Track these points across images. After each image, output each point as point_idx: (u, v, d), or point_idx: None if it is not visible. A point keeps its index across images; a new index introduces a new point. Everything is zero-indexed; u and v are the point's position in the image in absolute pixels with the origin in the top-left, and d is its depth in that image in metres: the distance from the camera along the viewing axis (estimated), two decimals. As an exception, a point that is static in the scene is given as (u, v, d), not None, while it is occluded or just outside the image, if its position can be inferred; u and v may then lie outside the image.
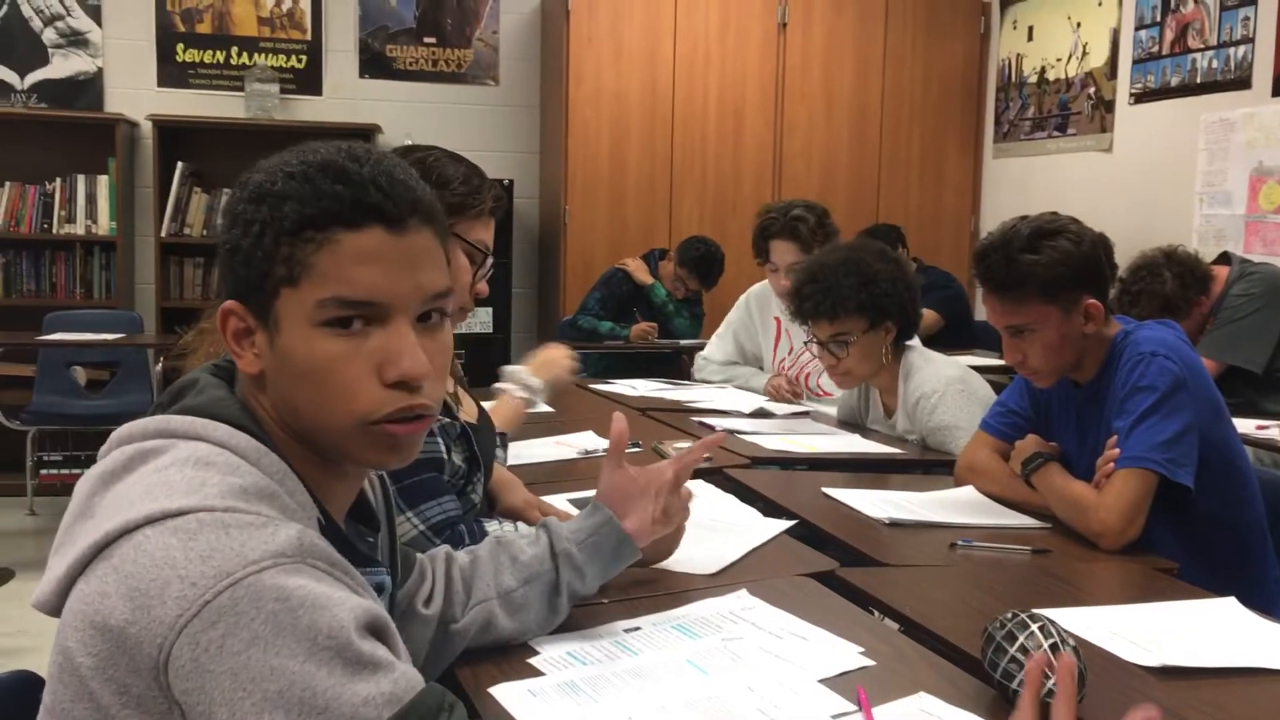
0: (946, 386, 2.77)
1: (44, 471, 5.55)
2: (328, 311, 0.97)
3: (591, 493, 1.51)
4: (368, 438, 1.00)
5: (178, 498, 0.89)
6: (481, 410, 1.98)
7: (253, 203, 0.99)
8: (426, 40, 6.19)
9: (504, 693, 1.27)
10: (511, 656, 1.38)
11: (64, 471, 5.58)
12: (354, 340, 0.98)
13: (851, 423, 3.15)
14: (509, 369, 2.57)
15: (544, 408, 3.27)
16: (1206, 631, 1.56)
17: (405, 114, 6.11)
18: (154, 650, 0.83)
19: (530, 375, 2.54)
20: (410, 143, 2.03)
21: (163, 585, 0.84)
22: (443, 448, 1.68)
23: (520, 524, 1.82)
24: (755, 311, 3.79)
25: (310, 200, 0.97)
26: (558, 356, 2.66)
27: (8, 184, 5.67)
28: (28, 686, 1.10)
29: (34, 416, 5.20)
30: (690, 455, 1.54)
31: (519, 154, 6.31)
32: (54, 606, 0.92)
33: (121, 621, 0.85)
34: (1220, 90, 4.68)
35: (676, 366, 5.16)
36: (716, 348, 3.87)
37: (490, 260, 1.78)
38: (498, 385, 2.52)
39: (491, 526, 1.75)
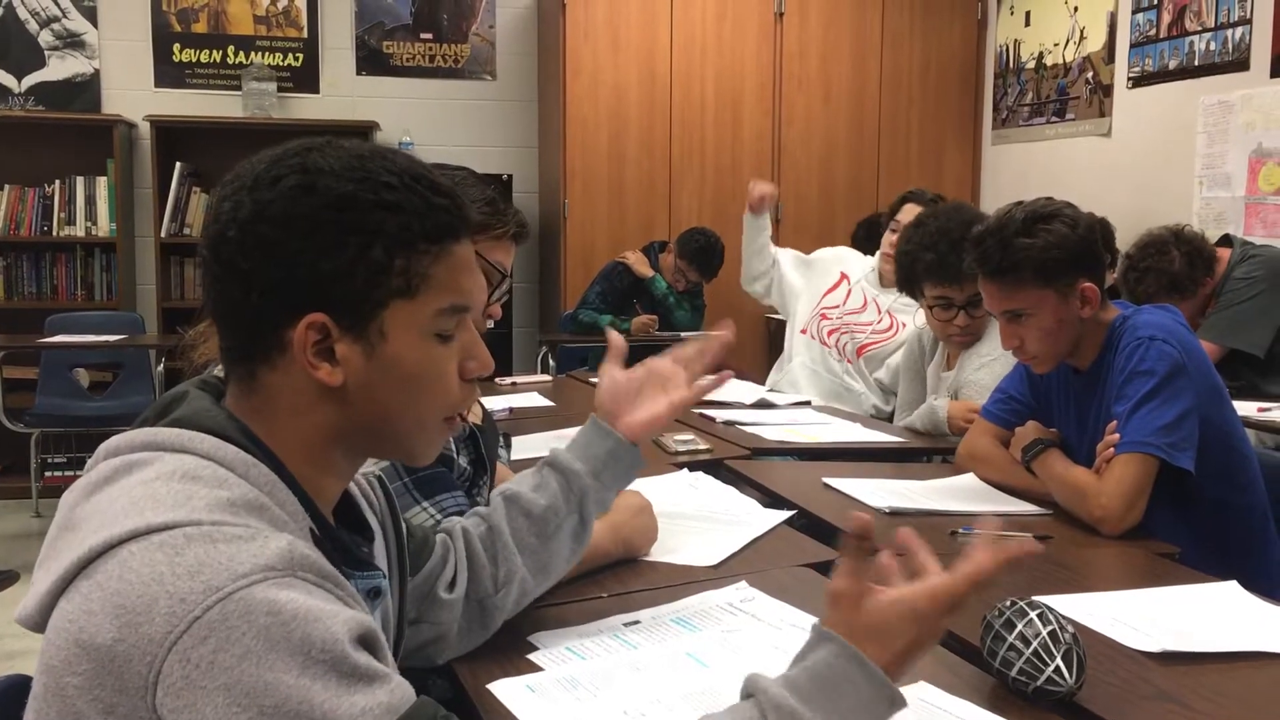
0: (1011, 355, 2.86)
1: (48, 473, 5.56)
2: (444, 320, 1.00)
3: None
4: (439, 432, 1.05)
5: (163, 512, 0.87)
6: (485, 411, 1.98)
7: (339, 211, 0.95)
8: (423, 36, 6.18)
9: (503, 689, 1.27)
10: (510, 652, 1.38)
11: (68, 473, 5.58)
12: (450, 342, 1.02)
13: (910, 366, 3.20)
14: None
15: (545, 402, 3.25)
16: (1208, 616, 1.56)
17: (403, 110, 6.10)
18: (144, 669, 0.81)
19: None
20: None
21: (150, 602, 0.82)
22: (452, 448, 1.68)
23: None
24: (826, 263, 3.94)
25: (425, 213, 0.98)
26: None
27: (7, 187, 5.68)
28: (22, 692, 1.08)
29: (38, 419, 5.21)
30: (690, 352, 1.51)
31: (517, 148, 6.29)
32: (36, 623, 0.90)
33: (109, 640, 0.82)
34: (1218, 72, 4.66)
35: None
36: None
37: (508, 282, 1.79)
38: None
39: None
